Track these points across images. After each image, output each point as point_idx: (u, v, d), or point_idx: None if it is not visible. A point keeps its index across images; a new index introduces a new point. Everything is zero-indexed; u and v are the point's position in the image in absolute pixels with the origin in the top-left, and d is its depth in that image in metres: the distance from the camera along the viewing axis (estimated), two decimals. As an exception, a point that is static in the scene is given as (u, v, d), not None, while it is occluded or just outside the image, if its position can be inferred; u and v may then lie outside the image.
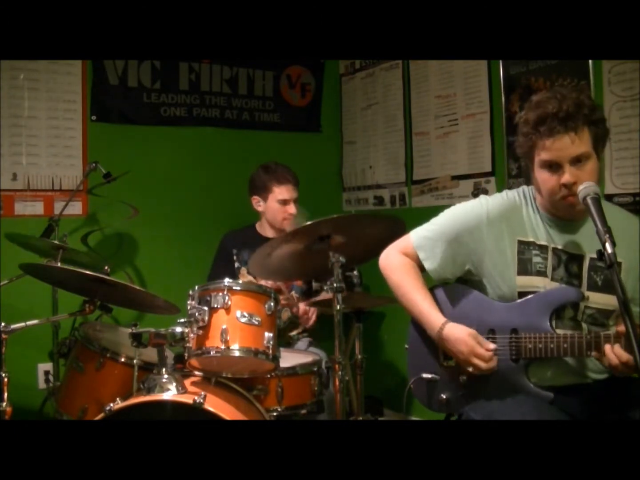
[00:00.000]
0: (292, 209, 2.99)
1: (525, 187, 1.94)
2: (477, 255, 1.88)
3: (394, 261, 2.00)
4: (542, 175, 1.77)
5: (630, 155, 2.61)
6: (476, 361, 1.78)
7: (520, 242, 1.85)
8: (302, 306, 2.93)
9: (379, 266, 2.04)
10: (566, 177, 1.71)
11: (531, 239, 1.84)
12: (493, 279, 1.87)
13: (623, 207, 2.35)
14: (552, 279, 1.83)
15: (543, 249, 1.84)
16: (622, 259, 1.75)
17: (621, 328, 1.66)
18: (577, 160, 1.71)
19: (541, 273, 1.83)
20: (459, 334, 1.81)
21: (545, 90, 1.85)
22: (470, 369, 1.80)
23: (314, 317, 2.94)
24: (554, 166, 1.73)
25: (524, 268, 1.83)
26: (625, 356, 1.63)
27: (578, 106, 1.70)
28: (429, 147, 3.60)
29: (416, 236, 1.97)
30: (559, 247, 1.84)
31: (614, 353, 1.65)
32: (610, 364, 1.67)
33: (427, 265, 1.94)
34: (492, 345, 1.79)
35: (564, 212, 1.82)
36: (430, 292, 1.96)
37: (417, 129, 3.68)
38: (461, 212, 1.94)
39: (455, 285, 1.97)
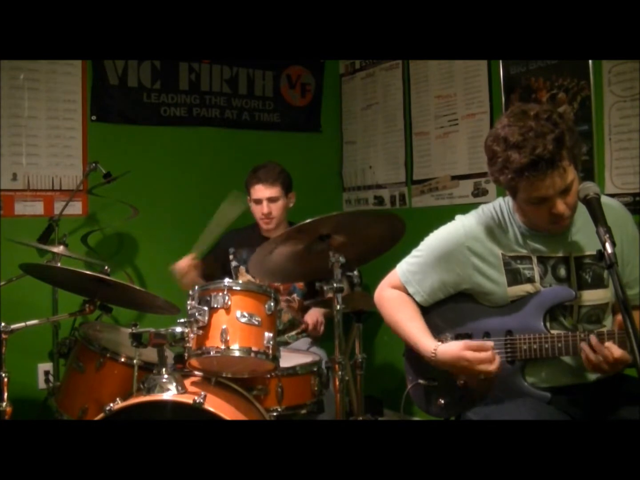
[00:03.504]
0: (264, 208, 2.96)
1: (501, 200, 1.93)
2: (466, 277, 1.88)
3: (386, 296, 2.01)
4: (529, 207, 1.75)
5: (630, 155, 2.61)
6: (482, 367, 1.75)
7: (504, 255, 1.84)
8: (309, 321, 2.92)
9: (375, 303, 2.05)
10: (558, 209, 1.69)
11: (513, 252, 1.84)
12: (486, 293, 1.87)
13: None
14: (543, 287, 1.83)
15: (527, 259, 1.83)
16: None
17: (618, 323, 1.67)
18: (565, 190, 1.69)
19: (531, 280, 1.83)
20: (452, 352, 1.79)
21: (506, 116, 1.73)
22: (482, 377, 1.78)
23: (322, 328, 2.93)
24: (541, 201, 1.70)
25: (514, 278, 1.83)
26: (618, 352, 1.64)
27: (559, 141, 1.64)
28: (429, 147, 3.60)
29: (402, 272, 1.99)
30: (543, 254, 1.83)
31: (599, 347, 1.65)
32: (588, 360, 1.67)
33: (418, 298, 1.95)
34: (488, 343, 1.78)
35: (550, 232, 1.82)
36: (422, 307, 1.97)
37: (417, 129, 3.68)
38: (440, 240, 1.93)
39: (447, 297, 1.96)
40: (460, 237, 1.88)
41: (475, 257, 1.86)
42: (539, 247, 1.84)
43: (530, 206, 1.74)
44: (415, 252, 1.99)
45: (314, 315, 2.95)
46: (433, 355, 1.82)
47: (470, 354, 1.76)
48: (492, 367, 1.75)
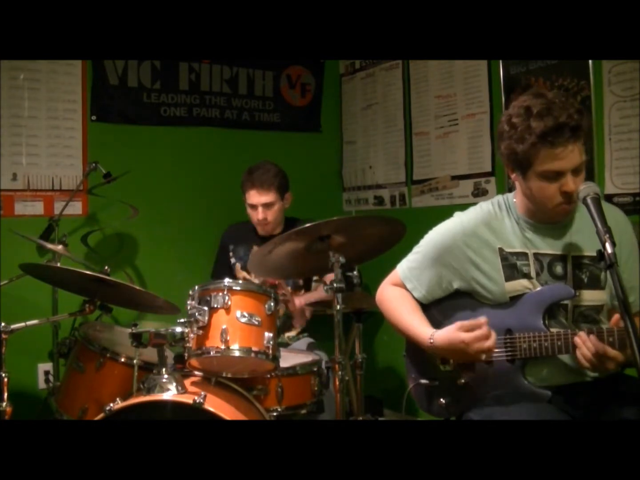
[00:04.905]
0: (259, 214, 2.95)
1: (500, 197, 1.94)
2: (463, 272, 1.89)
3: (387, 293, 2.03)
4: (540, 184, 1.73)
5: (630, 155, 2.61)
6: (478, 345, 1.73)
7: (501, 250, 1.85)
8: (297, 302, 2.88)
9: (376, 302, 2.06)
10: (570, 186, 1.69)
11: (510, 248, 1.85)
12: (484, 289, 1.87)
13: (623, 207, 2.36)
14: (539, 283, 1.83)
15: (523, 255, 1.84)
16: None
17: (614, 321, 1.67)
18: (577, 169, 1.70)
19: (527, 275, 1.83)
20: (448, 335, 1.78)
21: (525, 94, 1.76)
22: (483, 357, 1.75)
23: (308, 314, 2.91)
24: (555, 176, 1.70)
25: (511, 274, 1.83)
26: (601, 348, 1.62)
27: (581, 114, 1.68)
28: (429, 147, 3.60)
29: (401, 269, 2.01)
30: (540, 251, 1.84)
31: (589, 344, 1.64)
32: (582, 356, 1.66)
33: (416, 294, 1.96)
34: (481, 319, 1.75)
35: (553, 218, 1.82)
36: (423, 305, 1.97)
37: (417, 129, 3.68)
38: (438, 235, 1.95)
39: (447, 295, 1.97)
40: (458, 232, 1.89)
41: (473, 252, 1.87)
42: (537, 241, 1.84)
43: (543, 183, 1.72)
44: (414, 249, 2.00)
45: (297, 301, 2.91)
46: (430, 342, 1.82)
47: (465, 335, 1.74)
48: (488, 342, 1.73)
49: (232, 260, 3.09)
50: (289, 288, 3.00)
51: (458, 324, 1.77)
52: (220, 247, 3.20)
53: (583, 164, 1.71)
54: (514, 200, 1.89)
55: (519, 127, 1.70)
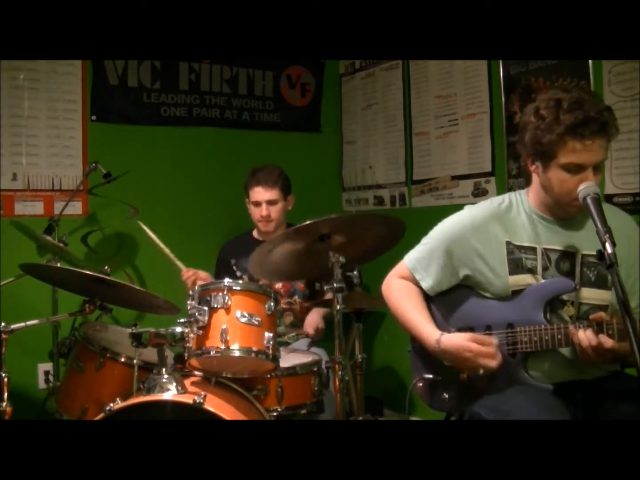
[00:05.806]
0: (263, 211, 2.98)
1: (512, 193, 1.95)
2: (469, 263, 1.90)
3: (393, 286, 2.04)
4: (560, 176, 1.74)
5: (630, 155, 2.61)
6: (483, 361, 1.76)
7: (509, 243, 1.86)
8: (310, 329, 2.90)
9: (382, 294, 2.07)
10: (590, 181, 1.70)
11: (518, 242, 1.85)
12: (487, 281, 1.88)
13: (623, 207, 2.36)
14: (544, 279, 1.83)
15: (531, 250, 1.85)
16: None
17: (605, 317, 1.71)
18: (598, 166, 1.73)
19: (532, 271, 1.84)
20: (457, 342, 1.80)
21: (552, 89, 1.81)
22: (481, 372, 1.77)
23: (322, 333, 2.94)
24: (577, 169, 1.71)
25: (515, 267, 1.84)
26: (595, 340, 1.66)
27: (610, 111, 1.72)
28: (429, 147, 3.60)
29: (409, 259, 2.01)
30: (549, 246, 1.84)
31: (585, 336, 1.68)
32: (580, 346, 1.69)
33: (424, 285, 1.97)
34: (493, 340, 1.78)
35: (567, 212, 1.82)
36: (425, 299, 1.98)
37: (417, 129, 3.68)
38: (447, 226, 1.96)
39: (449, 289, 1.97)
40: (467, 224, 1.91)
41: (480, 244, 1.88)
42: (547, 236, 1.84)
43: (564, 175, 1.73)
44: (422, 241, 2.01)
45: (313, 322, 2.94)
46: (437, 344, 1.83)
47: (475, 346, 1.77)
48: (493, 362, 1.76)
49: (238, 273, 3.07)
50: (297, 297, 3.01)
51: (469, 334, 1.81)
52: (219, 262, 3.18)
53: (602, 162, 1.74)
54: (527, 195, 1.91)
55: (547, 118, 1.71)
